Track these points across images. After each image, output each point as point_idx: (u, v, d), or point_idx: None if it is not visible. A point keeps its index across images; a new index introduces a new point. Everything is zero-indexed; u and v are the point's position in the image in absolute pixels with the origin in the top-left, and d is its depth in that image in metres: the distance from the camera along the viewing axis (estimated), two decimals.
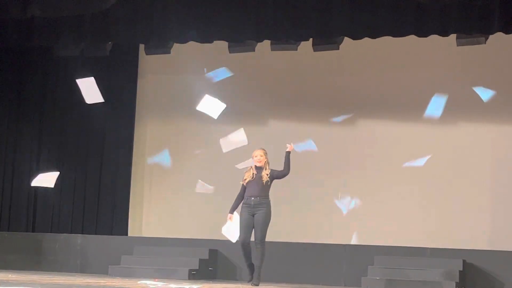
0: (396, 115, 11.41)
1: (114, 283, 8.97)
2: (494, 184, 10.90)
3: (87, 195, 12.47)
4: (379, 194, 11.24)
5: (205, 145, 11.99)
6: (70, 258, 11.74)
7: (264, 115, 11.95)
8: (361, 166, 11.41)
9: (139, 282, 9.34)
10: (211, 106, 9.67)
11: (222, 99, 12.01)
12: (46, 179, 9.78)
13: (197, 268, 10.81)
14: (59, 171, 12.45)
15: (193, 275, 10.61)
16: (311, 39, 10.65)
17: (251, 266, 9.38)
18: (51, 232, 12.35)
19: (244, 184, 9.35)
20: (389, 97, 11.47)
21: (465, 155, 11.04)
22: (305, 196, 11.47)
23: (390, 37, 10.21)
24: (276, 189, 11.50)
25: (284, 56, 11.36)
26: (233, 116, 11.44)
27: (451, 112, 11.18)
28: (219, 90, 12.10)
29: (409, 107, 11.32)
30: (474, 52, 10.67)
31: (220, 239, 11.08)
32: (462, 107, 11.18)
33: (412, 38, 10.08)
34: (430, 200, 11.06)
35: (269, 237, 10.44)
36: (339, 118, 11.69)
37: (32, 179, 10.16)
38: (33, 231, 12.50)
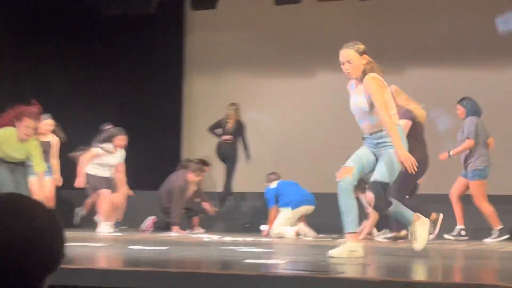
0: (436, 62, 11.29)
1: (169, 237, 9.06)
2: None
3: (138, 154, 12.47)
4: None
5: (254, 101, 11.95)
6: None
7: (310, 67, 11.88)
8: None
9: (193, 235, 9.43)
10: None
11: (268, 52, 11.99)
12: None
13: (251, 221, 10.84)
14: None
15: (247, 228, 10.65)
16: None
17: None
18: None
19: None
20: (432, 45, 11.36)
21: None
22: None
23: None
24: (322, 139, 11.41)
25: (330, 8, 11.25)
26: (280, 69, 11.38)
27: (495, 56, 11.06)
28: (261, 40, 11.98)
29: (450, 53, 11.21)
30: None
31: None
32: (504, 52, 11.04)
33: None
34: None
35: (320, 189, 10.38)
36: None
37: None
38: None
